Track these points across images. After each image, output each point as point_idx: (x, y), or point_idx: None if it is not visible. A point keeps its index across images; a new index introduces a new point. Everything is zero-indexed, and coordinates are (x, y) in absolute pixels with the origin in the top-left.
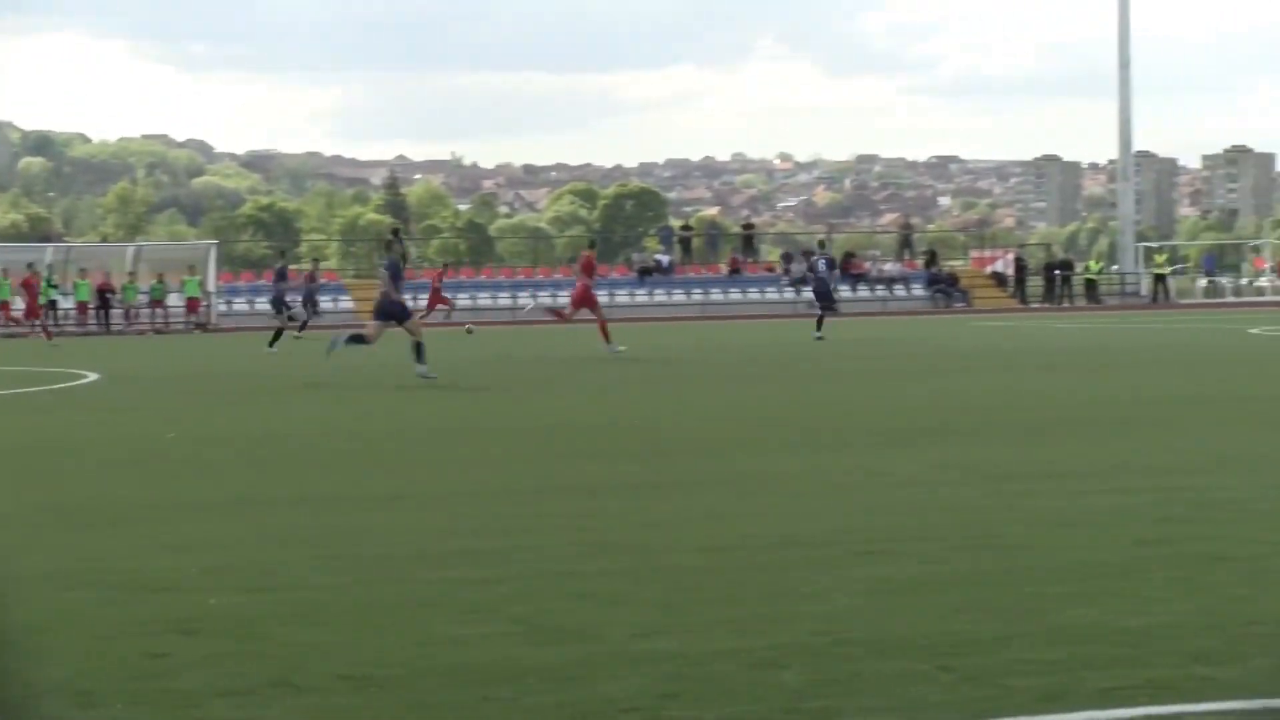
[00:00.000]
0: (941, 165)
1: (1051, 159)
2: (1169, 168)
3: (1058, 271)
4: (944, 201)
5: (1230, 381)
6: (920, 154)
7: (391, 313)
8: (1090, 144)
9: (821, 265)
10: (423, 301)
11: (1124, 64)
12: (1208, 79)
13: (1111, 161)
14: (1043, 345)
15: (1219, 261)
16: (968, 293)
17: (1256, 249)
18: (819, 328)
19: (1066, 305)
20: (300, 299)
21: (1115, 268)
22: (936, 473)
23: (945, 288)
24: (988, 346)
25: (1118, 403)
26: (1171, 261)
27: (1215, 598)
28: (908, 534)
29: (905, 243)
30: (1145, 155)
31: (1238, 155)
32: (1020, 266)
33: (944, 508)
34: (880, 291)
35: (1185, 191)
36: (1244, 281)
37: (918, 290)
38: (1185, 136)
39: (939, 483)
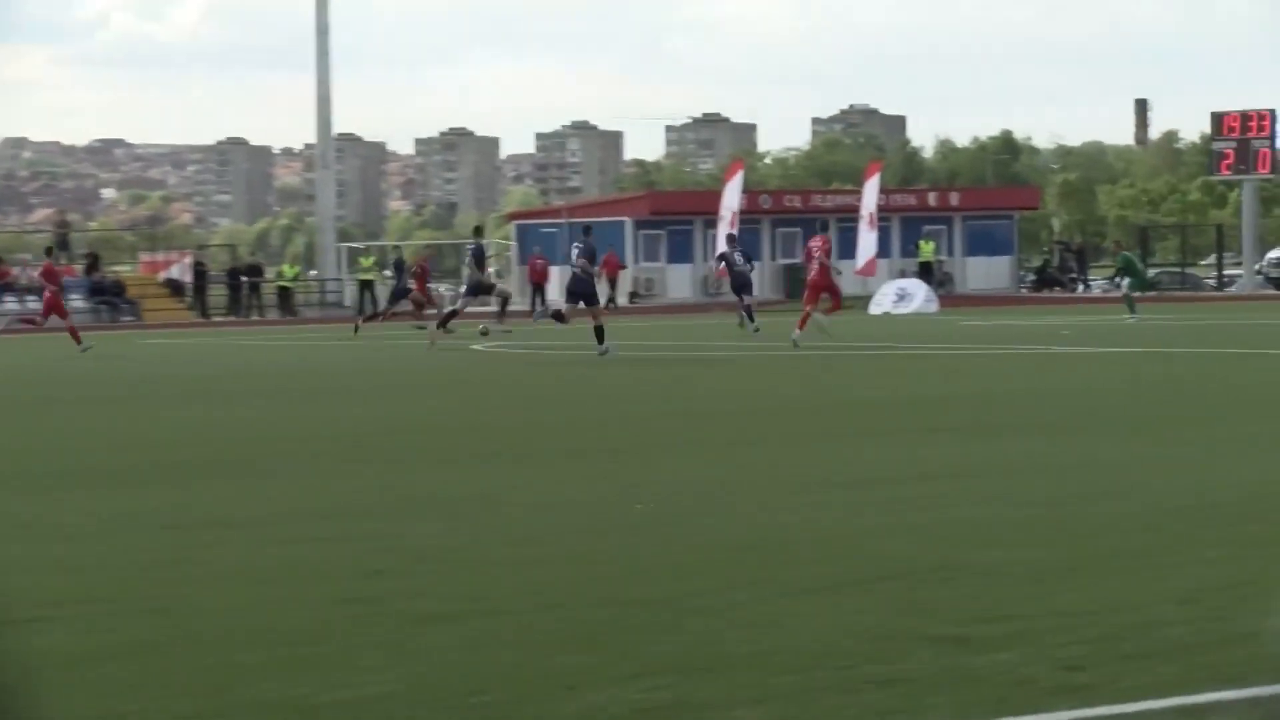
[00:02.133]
0: (105, 150)
1: (237, 143)
2: (377, 153)
3: (245, 278)
4: (108, 194)
5: (458, 408)
6: (79, 138)
7: (581, 293)
8: (283, 126)
9: (738, 258)
10: None
11: (322, 31)
12: (423, 51)
13: (309, 146)
14: (231, 367)
15: (438, 265)
16: (137, 304)
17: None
18: (751, 319)
19: (256, 318)
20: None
21: (314, 273)
22: (99, 523)
23: (111, 298)
24: (164, 370)
25: (317, 437)
26: (380, 265)
27: (429, 665)
28: (66, 597)
29: (62, 243)
30: (349, 139)
31: (457, 139)
32: (200, 273)
33: (109, 565)
34: (31, 303)
35: (396, 182)
36: None
37: (77, 301)
38: (396, 117)
39: (103, 534)
